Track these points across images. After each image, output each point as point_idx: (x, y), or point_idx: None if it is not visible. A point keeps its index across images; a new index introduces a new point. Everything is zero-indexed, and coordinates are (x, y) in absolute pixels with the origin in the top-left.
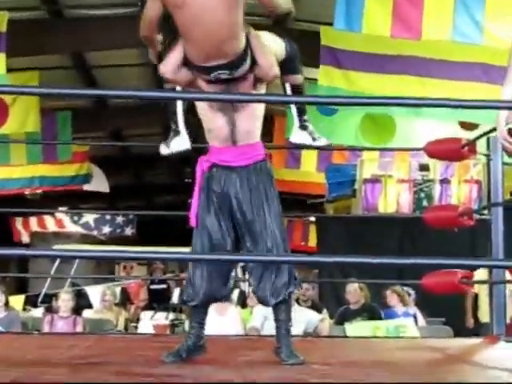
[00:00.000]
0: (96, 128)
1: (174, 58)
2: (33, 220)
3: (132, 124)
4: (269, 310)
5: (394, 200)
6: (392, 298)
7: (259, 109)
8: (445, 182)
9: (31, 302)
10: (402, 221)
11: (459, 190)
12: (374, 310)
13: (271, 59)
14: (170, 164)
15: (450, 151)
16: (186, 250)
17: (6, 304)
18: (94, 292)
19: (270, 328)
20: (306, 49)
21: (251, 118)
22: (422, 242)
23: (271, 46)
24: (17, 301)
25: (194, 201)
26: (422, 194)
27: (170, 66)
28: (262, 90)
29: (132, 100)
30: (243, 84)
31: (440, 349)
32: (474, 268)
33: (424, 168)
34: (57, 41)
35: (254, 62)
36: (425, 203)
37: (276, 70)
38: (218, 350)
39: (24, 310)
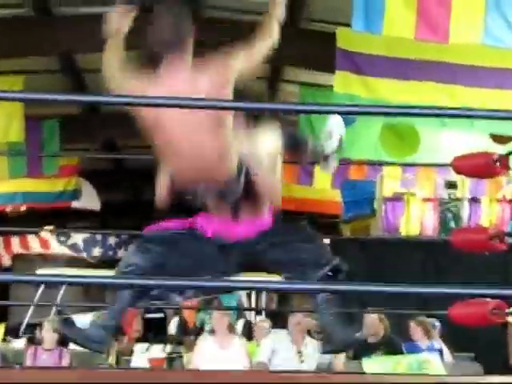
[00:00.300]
0: (86, 138)
1: (162, 192)
2: (15, 240)
3: (127, 134)
4: (277, 343)
5: (417, 221)
6: (416, 331)
7: None
8: (474, 200)
9: (12, 332)
10: (427, 244)
11: (490, 209)
12: (395, 343)
13: (269, 180)
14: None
15: (480, 167)
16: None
17: None
18: (83, 321)
19: (278, 363)
20: (320, 52)
21: None
22: (447, 267)
23: (267, 151)
24: None
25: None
26: (449, 215)
27: (163, 201)
28: None
29: (126, 107)
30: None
31: None
32: (507, 297)
33: (451, 185)
34: (43, 42)
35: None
36: (452, 224)
37: (277, 188)
38: None
39: (4, 340)
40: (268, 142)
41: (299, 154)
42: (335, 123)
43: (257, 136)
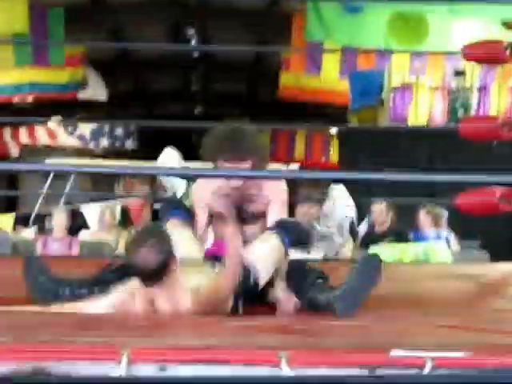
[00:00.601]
0: (92, 27)
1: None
2: (22, 131)
3: (133, 23)
4: None
5: (425, 110)
6: (425, 220)
7: None
8: (483, 89)
9: (22, 222)
10: (435, 133)
11: (500, 98)
12: (402, 231)
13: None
14: (175, 69)
15: (490, 54)
16: (192, 164)
17: None
18: (91, 211)
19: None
20: None
21: None
22: (455, 156)
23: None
24: (5, 221)
25: None
26: (458, 104)
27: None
28: None
29: None
30: None
31: (474, 276)
32: None
33: (460, 73)
34: None
35: None
36: (460, 113)
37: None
38: None
39: (14, 230)
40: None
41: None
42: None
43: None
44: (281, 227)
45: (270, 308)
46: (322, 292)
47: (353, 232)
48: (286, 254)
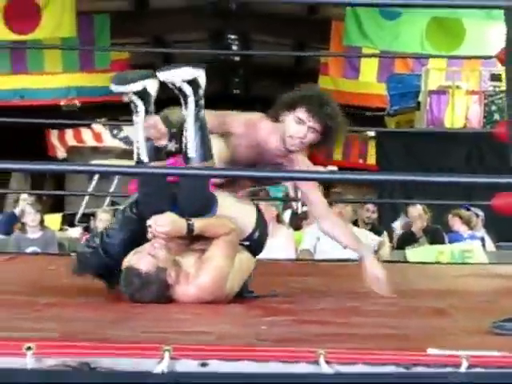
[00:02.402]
0: (136, 33)
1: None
2: (69, 133)
3: (175, 28)
4: (322, 232)
5: (462, 113)
6: (454, 222)
7: None
8: None
9: (68, 222)
10: (471, 136)
11: None
12: (438, 233)
13: None
14: (217, 72)
15: None
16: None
17: (42, 223)
18: None
19: (324, 249)
20: None
21: None
22: (492, 160)
23: None
24: (53, 220)
25: None
26: (494, 107)
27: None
28: None
29: (175, 1)
30: None
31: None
32: None
33: (496, 78)
34: None
35: None
36: (496, 117)
37: None
38: (268, 274)
39: (60, 229)
40: None
41: None
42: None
43: None
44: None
45: None
46: None
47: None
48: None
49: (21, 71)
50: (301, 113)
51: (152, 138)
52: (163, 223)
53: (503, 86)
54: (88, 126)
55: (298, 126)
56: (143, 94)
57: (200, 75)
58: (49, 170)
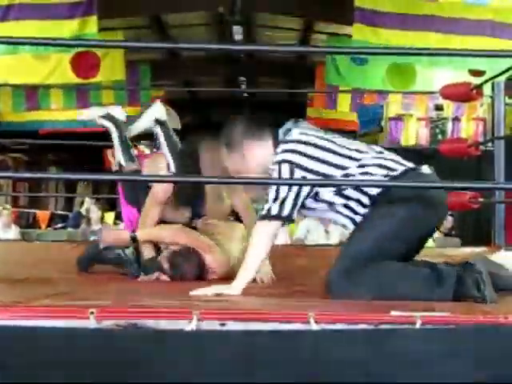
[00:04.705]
0: (170, 77)
1: None
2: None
3: (199, 72)
4: (311, 225)
5: (413, 135)
6: None
7: None
8: (456, 119)
9: (120, 218)
10: (420, 152)
11: (468, 126)
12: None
13: None
14: (230, 106)
15: (461, 94)
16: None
17: (102, 219)
18: None
19: (312, 239)
20: (342, 10)
21: None
22: (436, 169)
23: None
24: (108, 217)
25: None
26: (437, 130)
27: None
28: None
29: (200, 52)
30: None
31: (452, 255)
32: (479, 190)
33: (439, 108)
34: (138, 5)
35: None
36: (439, 137)
37: None
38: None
39: (115, 224)
40: None
41: None
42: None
43: None
44: None
45: None
46: None
47: None
48: None
49: (84, 106)
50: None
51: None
52: (105, 237)
53: (444, 113)
54: (135, 146)
55: None
56: (110, 118)
57: (113, 111)
58: (107, 180)
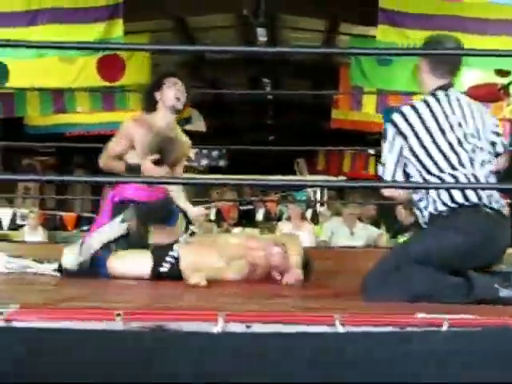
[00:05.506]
0: (196, 79)
1: None
2: None
3: (225, 74)
4: (335, 227)
5: None
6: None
7: None
8: None
9: None
10: None
11: None
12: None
13: None
14: (254, 108)
15: (488, 94)
16: (266, 177)
17: None
18: (195, 210)
19: (336, 241)
20: (367, 11)
21: None
22: None
23: None
24: None
25: None
26: None
27: None
28: None
29: (224, 55)
30: None
31: None
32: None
33: None
34: (163, 7)
35: None
36: None
37: None
38: None
39: None
40: None
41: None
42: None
43: None
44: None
45: None
46: None
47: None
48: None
49: (110, 109)
50: None
51: None
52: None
53: None
54: None
55: None
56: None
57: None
58: (124, 182)
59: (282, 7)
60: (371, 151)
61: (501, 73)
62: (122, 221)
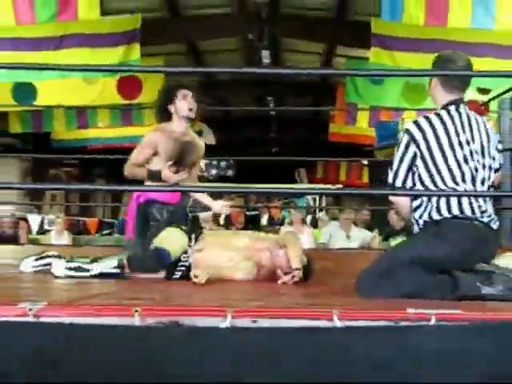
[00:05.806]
0: (206, 98)
1: None
2: None
3: (232, 94)
4: (333, 230)
5: None
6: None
7: None
8: None
9: None
10: None
11: None
12: (412, 230)
13: None
14: (259, 123)
15: (470, 109)
16: (270, 185)
17: None
18: (205, 215)
19: (334, 243)
20: (361, 35)
21: None
22: None
23: None
24: None
25: None
26: None
27: None
28: None
29: (232, 75)
30: None
31: None
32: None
33: None
34: (175, 33)
35: None
36: None
37: None
38: None
39: None
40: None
41: None
42: None
43: None
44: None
45: None
46: None
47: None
48: None
49: (128, 124)
50: None
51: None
52: None
53: None
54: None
55: None
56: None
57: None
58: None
59: (283, 32)
60: (364, 162)
61: (482, 91)
62: (118, 267)
